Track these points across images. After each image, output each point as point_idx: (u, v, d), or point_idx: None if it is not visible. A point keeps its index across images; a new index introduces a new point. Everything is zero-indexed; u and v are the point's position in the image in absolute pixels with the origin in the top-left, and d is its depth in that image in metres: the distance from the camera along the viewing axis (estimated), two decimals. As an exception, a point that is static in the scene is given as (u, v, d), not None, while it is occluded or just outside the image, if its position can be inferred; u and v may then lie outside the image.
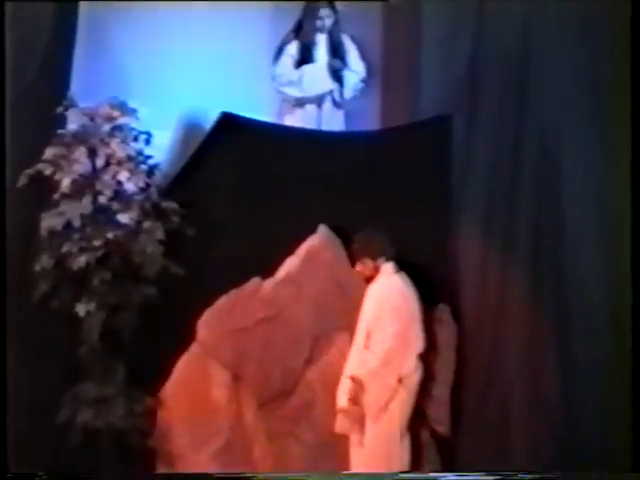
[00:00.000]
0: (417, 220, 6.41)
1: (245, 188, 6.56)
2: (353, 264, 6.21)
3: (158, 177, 6.37)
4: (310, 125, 6.96)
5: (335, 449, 6.20)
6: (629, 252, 6.13)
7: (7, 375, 5.90)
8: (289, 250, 6.47)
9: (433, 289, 6.41)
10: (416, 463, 6.24)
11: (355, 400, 5.93)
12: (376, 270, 6.07)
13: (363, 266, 6.06)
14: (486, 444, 6.44)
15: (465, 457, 6.44)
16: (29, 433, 6.17)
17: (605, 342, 6.30)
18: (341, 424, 6.04)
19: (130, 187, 6.23)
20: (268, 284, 6.46)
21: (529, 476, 5.77)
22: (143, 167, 6.31)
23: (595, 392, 6.31)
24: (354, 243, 6.09)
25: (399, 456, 6.07)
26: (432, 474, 6.05)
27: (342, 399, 6.01)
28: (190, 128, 6.86)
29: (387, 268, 6.10)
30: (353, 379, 5.90)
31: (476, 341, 6.44)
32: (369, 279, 6.09)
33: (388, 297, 6.01)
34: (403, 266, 6.24)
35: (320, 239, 6.49)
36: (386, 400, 5.91)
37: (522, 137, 6.39)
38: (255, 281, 6.47)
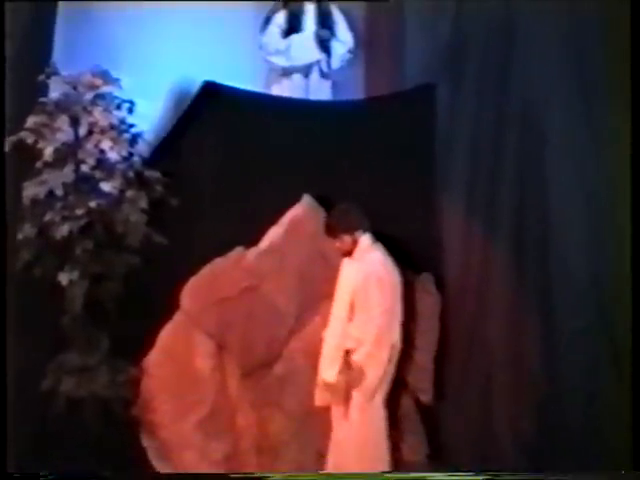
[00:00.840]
0: (401, 189, 6.41)
1: (229, 157, 6.50)
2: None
3: (141, 146, 6.32)
4: (297, 95, 6.94)
5: (319, 419, 6.16)
6: (613, 226, 6.17)
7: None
8: (273, 220, 6.45)
9: (417, 258, 6.40)
10: (399, 433, 6.25)
11: (348, 379, 5.91)
12: (354, 243, 5.97)
13: (341, 242, 5.97)
14: (469, 413, 6.49)
15: (449, 426, 6.49)
16: (14, 402, 6.07)
17: (588, 313, 6.33)
18: (323, 397, 5.99)
19: (113, 156, 6.17)
20: (251, 254, 6.42)
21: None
22: (126, 136, 6.25)
23: (578, 363, 6.36)
24: (329, 220, 6.01)
25: (382, 426, 6.02)
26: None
27: (328, 373, 5.93)
28: (174, 97, 6.82)
29: (365, 240, 6.00)
30: (350, 364, 5.85)
31: (459, 311, 6.45)
32: (348, 254, 6.00)
33: (374, 271, 5.93)
34: (387, 235, 6.19)
35: (304, 209, 6.44)
36: (381, 378, 5.90)
37: (506, 109, 6.41)
38: (238, 250, 6.43)
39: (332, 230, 5.98)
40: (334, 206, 6.27)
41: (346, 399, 5.89)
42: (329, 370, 5.92)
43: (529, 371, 6.40)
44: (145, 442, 6.29)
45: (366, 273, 5.91)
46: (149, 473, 6.17)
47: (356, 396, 5.93)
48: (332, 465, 5.99)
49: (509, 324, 6.47)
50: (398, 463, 6.12)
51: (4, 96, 6.00)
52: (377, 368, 5.83)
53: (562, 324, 6.38)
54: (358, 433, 5.95)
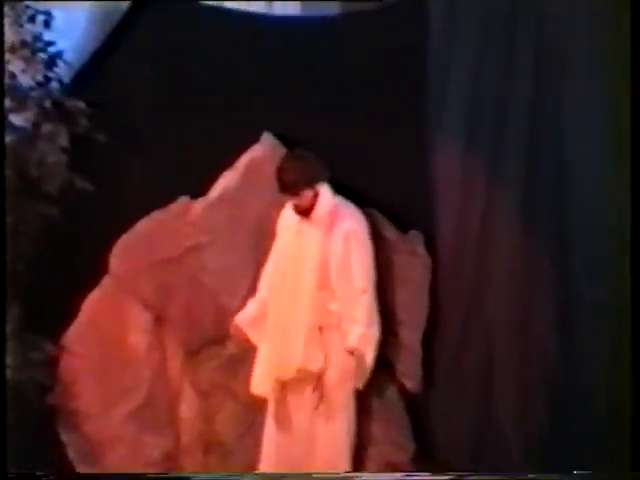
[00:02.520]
0: (384, 127, 5.97)
1: (171, 85, 6.09)
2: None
3: (61, 69, 5.93)
4: (258, 8, 6.29)
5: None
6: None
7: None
8: (225, 163, 6.07)
9: (403, 213, 6.02)
10: (380, 428, 5.87)
11: (346, 366, 5.54)
12: (315, 197, 5.58)
13: (300, 199, 5.56)
14: (464, 403, 6.03)
15: (439, 418, 6.03)
16: None
17: (610, 280, 5.83)
18: (297, 387, 5.62)
19: (25, 81, 5.83)
20: (199, 204, 6.06)
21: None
22: (42, 56, 5.86)
23: (599, 341, 5.86)
24: (284, 174, 5.56)
25: (353, 419, 5.67)
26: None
27: (307, 358, 5.58)
28: (101, 8, 6.18)
29: (326, 193, 5.59)
30: (351, 352, 5.51)
31: (454, 278, 6.05)
32: (305, 211, 5.60)
33: (351, 231, 5.60)
34: (366, 184, 5.92)
35: (264, 150, 6.02)
36: (374, 360, 5.58)
37: (516, 23, 5.84)
38: (183, 201, 6.08)
39: (289, 186, 5.56)
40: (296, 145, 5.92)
41: (321, 388, 5.56)
42: (308, 354, 5.58)
43: (538, 354, 5.92)
44: (65, 437, 6.01)
45: (344, 234, 5.59)
46: (69, 474, 5.93)
47: (343, 385, 5.60)
48: (286, 463, 5.67)
49: (515, 294, 5.99)
50: (379, 463, 5.86)
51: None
52: (371, 351, 5.54)
53: (580, 295, 5.88)
54: (328, 427, 5.61)
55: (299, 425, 5.58)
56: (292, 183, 5.53)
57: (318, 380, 5.51)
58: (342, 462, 5.59)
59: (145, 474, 5.89)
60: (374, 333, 5.52)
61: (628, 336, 5.54)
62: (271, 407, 5.61)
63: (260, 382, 5.64)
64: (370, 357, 5.49)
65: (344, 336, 5.53)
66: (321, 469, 5.58)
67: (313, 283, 5.56)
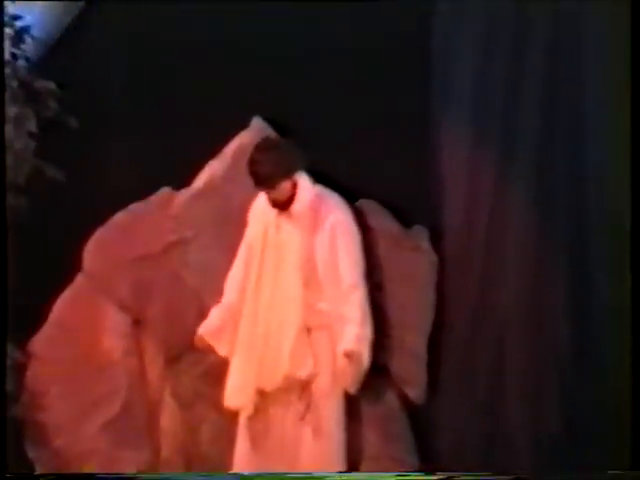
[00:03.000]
0: (382, 109, 5.81)
1: (150, 62, 5.92)
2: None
3: (29, 46, 5.78)
4: None
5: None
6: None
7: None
8: (211, 151, 5.92)
9: (406, 206, 5.85)
10: (380, 440, 5.70)
11: (346, 371, 5.34)
12: (294, 188, 5.40)
13: (278, 193, 5.37)
14: (473, 413, 5.87)
15: (445, 430, 5.85)
16: None
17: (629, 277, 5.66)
18: (280, 397, 5.41)
19: None
20: (182, 196, 5.92)
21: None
22: (7, 31, 5.69)
23: (617, 341, 5.69)
24: (259, 166, 5.36)
25: (343, 427, 5.49)
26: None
27: (295, 364, 5.38)
28: None
29: (305, 183, 5.41)
30: (349, 355, 5.31)
31: (462, 276, 5.91)
32: (285, 204, 5.42)
33: (337, 223, 5.42)
34: (364, 175, 5.77)
35: (253, 136, 5.80)
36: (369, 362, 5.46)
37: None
38: (164, 192, 5.92)
39: (265, 179, 5.37)
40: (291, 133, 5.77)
41: (309, 395, 5.39)
42: (295, 359, 5.39)
43: (554, 355, 5.80)
44: (32, 453, 5.85)
45: (330, 227, 5.43)
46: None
47: (333, 393, 5.42)
48: None
49: (528, 292, 5.86)
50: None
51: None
52: (367, 352, 5.34)
53: (596, 294, 5.72)
54: (316, 442, 5.40)
55: (280, 441, 5.41)
56: (268, 176, 5.34)
57: (305, 387, 5.34)
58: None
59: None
60: (369, 333, 5.36)
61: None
62: (244, 421, 5.38)
63: (236, 394, 5.42)
64: (366, 359, 5.32)
65: (335, 337, 5.34)
66: None
67: (298, 282, 5.38)
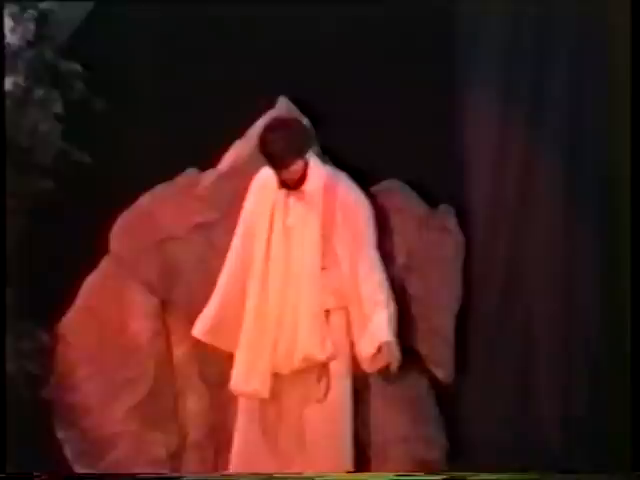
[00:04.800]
0: (406, 86, 5.77)
1: (176, 43, 5.88)
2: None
3: (54, 27, 5.79)
4: None
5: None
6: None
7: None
8: (236, 132, 5.85)
9: (431, 185, 5.81)
10: (409, 423, 5.66)
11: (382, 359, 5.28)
12: (306, 166, 5.33)
13: (290, 173, 5.29)
14: (501, 394, 5.85)
15: (473, 411, 5.83)
16: None
17: None
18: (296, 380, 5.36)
19: (14, 40, 5.65)
20: (208, 177, 5.87)
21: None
22: (31, 13, 5.69)
23: None
24: (271, 147, 5.28)
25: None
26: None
27: (314, 346, 5.30)
28: None
29: (316, 163, 5.36)
30: (381, 348, 5.25)
31: (489, 255, 5.88)
32: (296, 184, 5.35)
33: (352, 201, 5.36)
34: (388, 154, 5.71)
35: (280, 116, 5.72)
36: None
37: None
38: (190, 173, 5.89)
39: (278, 159, 5.29)
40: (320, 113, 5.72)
41: (328, 377, 5.35)
42: (314, 341, 5.30)
43: (583, 337, 5.75)
44: (61, 434, 5.79)
45: (346, 207, 5.38)
46: (65, 475, 5.70)
47: (348, 373, 5.37)
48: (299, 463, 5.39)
49: (556, 274, 5.82)
50: (408, 461, 5.60)
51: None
52: (395, 334, 5.29)
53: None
54: (330, 423, 5.36)
55: (296, 422, 5.32)
56: (281, 155, 5.25)
57: (323, 369, 5.29)
58: (346, 461, 5.34)
59: (141, 475, 5.68)
60: (393, 312, 5.29)
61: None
62: (250, 405, 5.30)
63: (247, 379, 5.32)
64: (395, 346, 5.25)
65: (352, 319, 5.31)
66: (322, 469, 5.32)
67: (317, 264, 5.31)
